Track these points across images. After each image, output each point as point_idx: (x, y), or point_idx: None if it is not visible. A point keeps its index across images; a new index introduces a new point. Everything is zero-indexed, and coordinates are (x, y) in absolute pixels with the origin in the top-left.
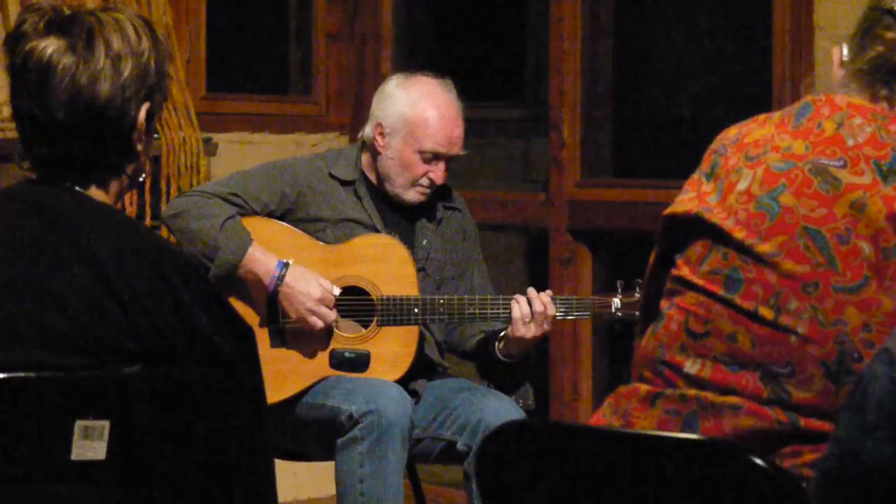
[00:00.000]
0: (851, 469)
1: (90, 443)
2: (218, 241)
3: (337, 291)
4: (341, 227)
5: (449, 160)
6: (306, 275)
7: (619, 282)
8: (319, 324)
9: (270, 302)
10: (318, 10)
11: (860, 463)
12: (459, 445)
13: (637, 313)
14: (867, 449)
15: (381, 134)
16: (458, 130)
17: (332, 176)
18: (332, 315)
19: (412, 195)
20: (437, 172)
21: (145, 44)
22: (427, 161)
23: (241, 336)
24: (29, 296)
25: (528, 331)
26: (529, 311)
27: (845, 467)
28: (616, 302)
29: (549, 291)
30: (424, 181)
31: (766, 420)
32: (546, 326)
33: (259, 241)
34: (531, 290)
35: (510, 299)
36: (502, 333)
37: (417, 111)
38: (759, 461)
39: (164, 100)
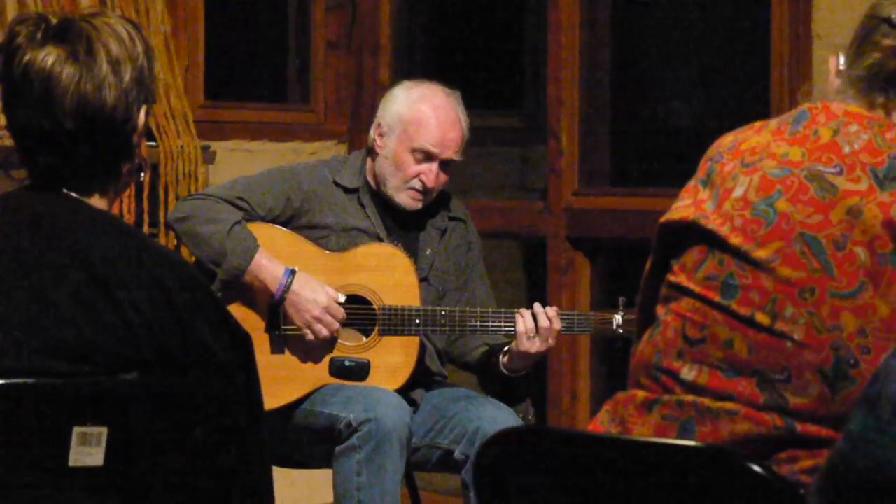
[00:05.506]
0: (861, 463)
1: (88, 449)
2: (225, 247)
3: (342, 298)
4: (345, 236)
5: (443, 164)
6: (312, 282)
7: (620, 298)
8: (324, 332)
9: (273, 308)
10: (316, 18)
11: (870, 457)
12: (457, 454)
13: None
14: (879, 444)
15: (380, 134)
16: (454, 134)
17: (336, 184)
18: (336, 324)
19: (404, 198)
20: (430, 175)
21: (139, 47)
22: (419, 161)
23: (237, 342)
24: (27, 303)
25: (533, 346)
26: (534, 325)
27: (855, 461)
28: (618, 319)
29: (555, 308)
30: (416, 184)
31: (763, 426)
32: (551, 342)
33: (263, 248)
34: (537, 306)
35: (512, 313)
36: (506, 348)
37: (414, 110)
38: (756, 467)
39: (154, 100)
